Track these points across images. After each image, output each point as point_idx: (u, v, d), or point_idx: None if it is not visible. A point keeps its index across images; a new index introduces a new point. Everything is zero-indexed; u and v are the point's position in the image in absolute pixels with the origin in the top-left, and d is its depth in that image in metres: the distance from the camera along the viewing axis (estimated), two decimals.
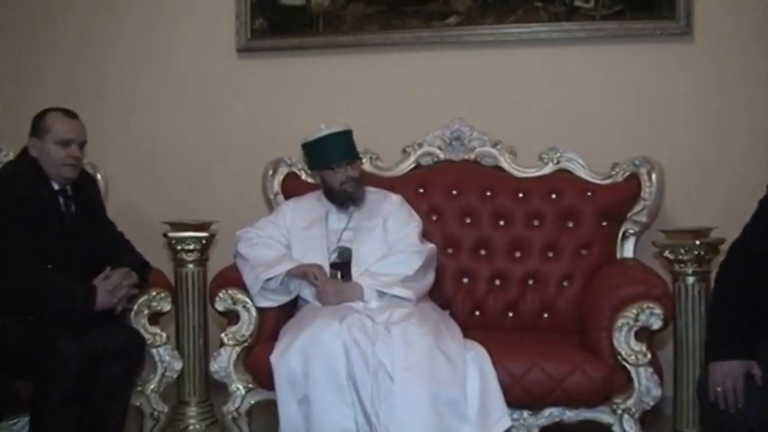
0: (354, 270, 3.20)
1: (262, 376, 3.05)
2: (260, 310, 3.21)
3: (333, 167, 3.31)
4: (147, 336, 3.20)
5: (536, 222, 3.61)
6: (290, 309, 3.26)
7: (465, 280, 3.62)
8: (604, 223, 3.54)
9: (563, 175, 3.65)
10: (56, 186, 3.12)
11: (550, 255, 3.56)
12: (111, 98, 4.45)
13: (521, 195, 3.64)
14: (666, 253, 3.23)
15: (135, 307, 3.21)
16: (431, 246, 3.32)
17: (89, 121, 3.25)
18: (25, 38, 4.55)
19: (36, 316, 2.90)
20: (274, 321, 3.21)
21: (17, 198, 2.98)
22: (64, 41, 4.51)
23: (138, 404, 3.25)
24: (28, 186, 3.03)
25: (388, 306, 3.00)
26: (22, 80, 4.54)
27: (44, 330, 2.83)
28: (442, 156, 3.79)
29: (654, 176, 3.50)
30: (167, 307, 3.31)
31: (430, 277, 3.27)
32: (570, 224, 3.57)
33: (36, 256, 2.97)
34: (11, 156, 3.48)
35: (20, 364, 2.79)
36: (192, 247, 3.65)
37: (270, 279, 3.16)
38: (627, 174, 3.57)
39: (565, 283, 3.50)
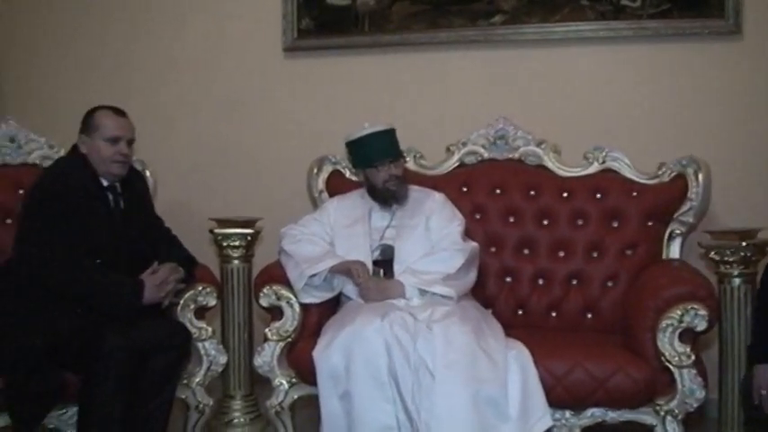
0: (396, 268, 3.22)
1: (304, 371, 3.09)
2: (303, 306, 3.24)
3: (376, 166, 3.33)
4: (193, 330, 3.24)
5: (580, 222, 3.59)
6: (333, 305, 3.30)
7: (508, 279, 3.61)
8: (650, 223, 3.51)
9: (608, 174, 3.62)
10: (105, 183, 3.18)
11: (595, 255, 3.53)
12: (160, 97, 4.52)
13: (565, 195, 3.62)
14: (712, 254, 3.19)
15: (181, 301, 3.25)
16: (473, 244, 3.32)
17: (138, 119, 3.31)
18: (76, 38, 4.65)
19: (85, 310, 2.96)
20: (317, 317, 3.24)
21: (68, 194, 3.03)
22: (114, 41, 4.60)
23: (183, 397, 3.29)
24: (78, 182, 3.09)
25: (429, 304, 3.01)
26: (73, 79, 4.64)
27: (93, 324, 2.88)
28: (485, 155, 3.78)
29: (701, 176, 3.46)
30: (213, 302, 3.35)
31: (472, 276, 3.28)
32: (615, 224, 3.54)
33: (86, 251, 3.02)
34: (62, 152, 3.54)
35: (69, 357, 2.85)
36: (237, 243, 3.69)
37: (314, 275, 3.19)
38: (673, 174, 3.53)
39: (609, 284, 3.48)
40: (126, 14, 4.59)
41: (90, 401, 2.80)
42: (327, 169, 3.85)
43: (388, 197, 3.36)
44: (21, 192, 3.44)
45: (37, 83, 4.70)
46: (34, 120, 3.92)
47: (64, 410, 2.99)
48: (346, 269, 3.19)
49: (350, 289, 3.22)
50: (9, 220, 3.44)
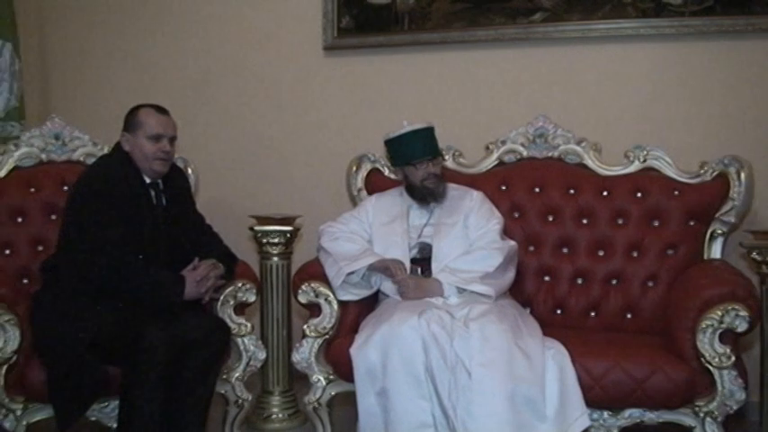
0: (434, 266, 3.22)
1: (342, 368, 3.10)
2: (341, 304, 3.26)
3: (414, 164, 3.34)
4: (232, 325, 3.27)
5: (620, 221, 3.56)
6: (371, 302, 3.31)
7: (546, 278, 3.60)
8: (691, 223, 3.47)
9: (649, 173, 3.59)
10: (147, 180, 3.23)
11: (635, 254, 3.50)
12: (201, 95, 4.57)
13: (605, 193, 3.60)
14: (754, 254, 3.15)
15: (221, 297, 3.28)
16: (512, 243, 3.32)
17: (180, 117, 3.35)
18: (120, 38, 4.72)
19: (127, 304, 3.01)
20: (355, 315, 3.26)
21: (111, 191, 3.09)
22: (157, 41, 4.66)
23: (223, 392, 3.32)
24: (121, 179, 3.14)
25: (467, 302, 3.02)
26: (117, 77, 4.70)
27: (135, 318, 2.93)
28: (525, 153, 3.77)
29: (743, 176, 3.41)
30: (252, 298, 3.37)
31: (510, 275, 3.27)
32: (656, 223, 3.51)
33: (128, 247, 3.07)
34: (105, 150, 3.59)
35: (110, 350, 2.90)
36: (276, 240, 3.72)
37: (352, 273, 3.21)
38: (715, 173, 3.49)
39: (649, 284, 3.45)
40: (169, 14, 4.65)
41: (131, 395, 2.84)
42: (366, 167, 3.86)
43: (426, 195, 3.36)
44: (65, 188, 3.50)
45: (81, 81, 4.78)
46: (79, 118, 3.98)
47: (105, 403, 3.04)
48: (384, 267, 3.20)
49: (388, 287, 3.23)
50: (54, 216, 3.50)
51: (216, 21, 4.56)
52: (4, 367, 2.88)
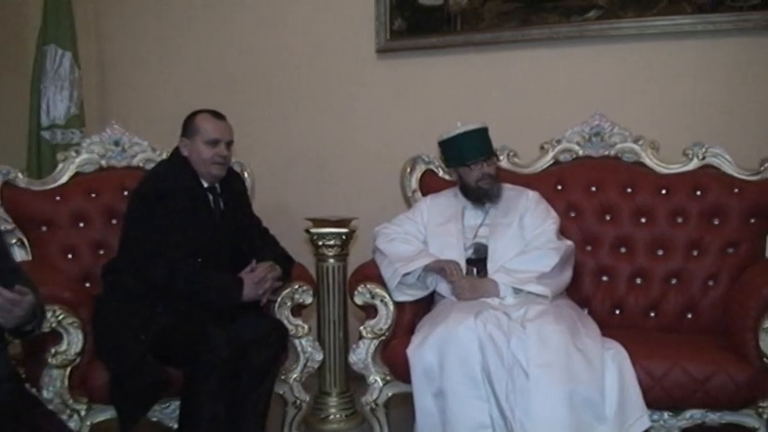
0: (490, 266, 3.21)
1: (399, 369, 3.11)
2: (397, 305, 3.26)
3: (469, 164, 3.33)
4: (290, 327, 3.31)
5: (679, 220, 3.51)
6: (427, 303, 3.31)
7: (604, 278, 3.56)
8: (752, 221, 3.40)
9: (708, 170, 3.53)
10: (205, 184, 3.28)
11: (695, 253, 3.45)
12: (257, 100, 4.62)
13: (663, 192, 3.55)
14: None
15: (279, 299, 3.32)
16: (568, 243, 3.29)
17: (236, 122, 3.39)
18: (177, 45, 4.81)
19: (187, 306, 3.05)
20: (411, 316, 3.26)
21: (170, 195, 3.14)
22: (212, 47, 4.73)
23: (281, 392, 3.35)
24: (180, 184, 3.20)
25: (523, 303, 3.00)
26: (174, 84, 4.79)
27: (194, 320, 2.98)
28: (581, 152, 3.74)
29: None
30: (309, 300, 3.41)
31: (567, 275, 3.25)
32: (716, 221, 3.45)
33: (187, 250, 3.12)
34: (164, 155, 3.64)
35: (171, 352, 2.95)
36: (332, 242, 3.75)
37: (407, 274, 3.21)
38: None
39: (710, 283, 3.39)
40: (222, 20, 4.72)
41: (193, 396, 2.87)
42: (420, 168, 3.85)
43: (481, 195, 3.35)
44: (125, 193, 3.55)
45: (138, 88, 4.88)
46: (136, 124, 4.05)
47: (167, 404, 3.08)
48: (440, 268, 3.20)
49: (443, 287, 3.23)
50: (114, 221, 3.55)
51: (269, 25, 4.62)
52: (68, 369, 2.93)
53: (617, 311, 3.50)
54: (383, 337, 3.26)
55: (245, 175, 3.81)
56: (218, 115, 3.32)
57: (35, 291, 2.36)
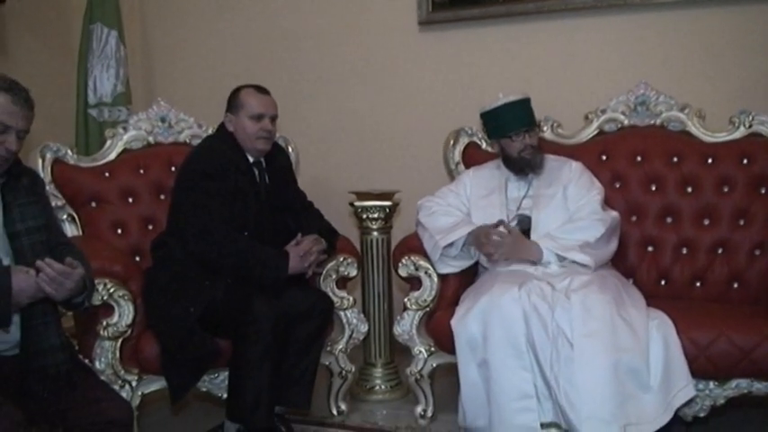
0: (534, 237, 3.19)
1: (443, 340, 3.13)
2: (441, 276, 3.28)
3: (511, 136, 3.32)
4: (335, 299, 3.36)
5: (726, 189, 3.47)
6: (471, 275, 3.33)
7: (650, 248, 3.54)
8: None
9: (755, 139, 3.48)
10: (251, 159, 3.31)
11: (741, 222, 3.41)
12: (299, 74, 4.65)
13: (709, 161, 3.51)
14: None
15: (324, 271, 3.36)
16: (614, 213, 3.27)
17: (280, 97, 3.42)
18: (219, 22, 4.84)
19: (234, 279, 3.10)
20: (455, 287, 3.28)
21: (217, 170, 3.18)
22: (254, 22, 4.75)
23: (327, 363, 3.41)
24: (226, 159, 3.23)
25: (567, 273, 2.99)
26: (216, 60, 4.83)
27: (241, 293, 3.02)
28: (625, 122, 3.71)
29: None
30: (354, 272, 3.45)
31: (612, 245, 3.23)
32: (762, 190, 3.41)
33: (234, 224, 3.17)
34: (210, 131, 3.69)
35: (220, 323, 3.00)
36: (376, 215, 3.77)
37: (449, 246, 3.22)
38: None
39: (756, 252, 3.35)
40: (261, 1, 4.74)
41: (240, 366, 2.94)
42: (463, 141, 3.85)
43: (523, 167, 3.34)
44: (172, 169, 3.61)
45: (182, 65, 4.93)
46: (181, 100, 4.09)
47: (216, 375, 3.15)
48: (477, 241, 3.19)
49: (484, 258, 3.24)
50: (162, 196, 3.62)
51: (312, 0, 4.61)
52: (120, 341, 3.00)
53: (662, 282, 3.48)
54: (427, 309, 3.29)
55: (290, 149, 3.84)
56: (262, 90, 3.34)
57: (86, 264, 2.43)
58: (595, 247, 3.11)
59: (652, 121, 3.67)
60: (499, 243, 3.11)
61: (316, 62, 4.62)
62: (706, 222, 3.48)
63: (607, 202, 3.36)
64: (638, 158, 3.62)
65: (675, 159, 3.56)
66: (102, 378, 2.84)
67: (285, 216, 3.38)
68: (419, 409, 3.37)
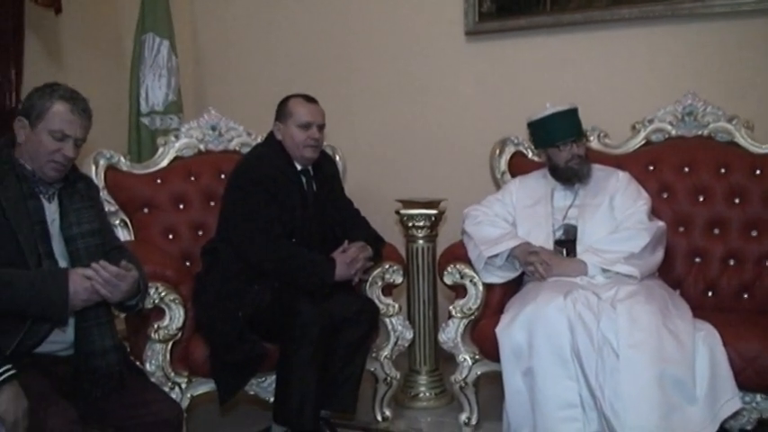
0: (579, 248, 3.21)
1: (488, 348, 3.14)
2: (486, 285, 3.30)
3: (558, 145, 3.33)
4: (380, 306, 3.39)
5: None
6: (517, 283, 3.33)
7: (697, 259, 3.51)
8: None
9: None
10: (299, 167, 3.37)
11: None
12: (347, 84, 4.69)
13: (758, 172, 3.48)
14: None
15: (370, 278, 3.40)
16: (660, 224, 3.26)
17: (327, 106, 3.47)
18: (268, 32, 4.90)
19: (282, 285, 3.15)
20: (500, 296, 3.29)
21: (266, 178, 3.24)
22: (302, 33, 4.80)
23: (372, 369, 3.44)
24: (275, 167, 3.30)
25: (613, 283, 2.99)
26: (265, 69, 4.89)
27: (289, 298, 3.07)
28: (673, 132, 3.69)
29: None
30: (399, 279, 3.48)
31: (658, 255, 3.22)
32: None
33: (282, 230, 3.22)
34: (259, 139, 3.74)
35: (267, 328, 3.05)
36: (422, 223, 3.80)
37: (494, 256, 3.24)
38: None
39: None
40: (312, 5, 4.78)
41: (287, 369, 2.99)
42: (510, 150, 3.86)
43: (570, 176, 3.35)
44: (222, 176, 3.66)
45: (232, 74, 5.00)
46: (231, 109, 4.13)
47: (263, 378, 3.20)
48: (525, 262, 3.19)
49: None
50: (212, 203, 3.68)
51: (360, 10, 4.67)
52: (170, 343, 3.07)
53: (709, 293, 3.45)
54: (472, 317, 3.30)
55: (337, 158, 3.89)
56: (310, 99, 3.40)
57: (139, 267, 2.50)
58: (641, 258, 3.10)
59: (699, 132, 3.65)
60: (542, 263, 3.13)
61: (364, 72, 4.67)
62: (754, 234, 3.45)
63: (654, 213, 3.35)
64: (686, 169, 3.60)
65: (723, 170, 3.54)
66: (153, 380, 2.91)
67: (332, 223, 3.43)
68: (463, 417, 3.38)
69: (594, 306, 2.83)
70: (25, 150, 2.44)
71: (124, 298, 2.41)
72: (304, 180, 3.39)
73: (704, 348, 2.76)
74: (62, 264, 2.44)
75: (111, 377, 2.44)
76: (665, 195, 3.60)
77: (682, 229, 3.56)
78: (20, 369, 2.17)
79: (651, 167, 3.65)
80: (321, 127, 3.39)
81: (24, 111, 2.45)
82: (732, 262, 3.46)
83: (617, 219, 3.25)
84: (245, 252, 3.17)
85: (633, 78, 4.08)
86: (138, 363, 2.92)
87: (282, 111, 3.39)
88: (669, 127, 3.70)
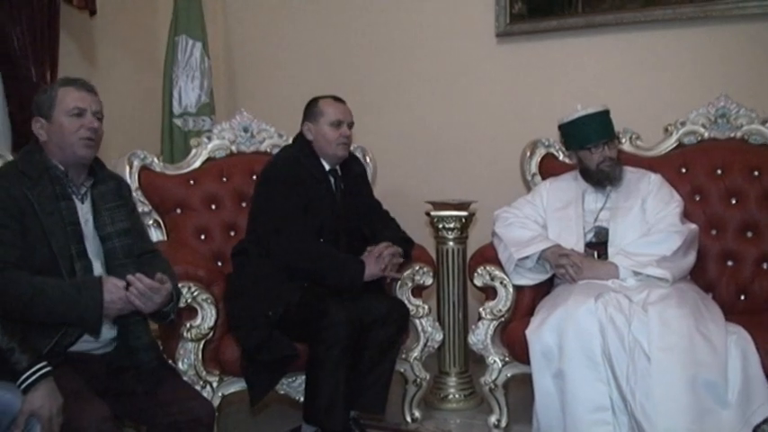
0: (611, 250, 3.19)
1: (518, 350, 3.13)
2: (517, 287, 3.29)
3: (590, 148, 3.32)
4: (410, 307, 3.40)
5: None
6: (547, 286, 3.32)
7: (729, 263, 3.48)
8: None
9: None
10: (327, 167, 3.39)
11: None
12: (376, 85, 4.71)
13: None
14: None
15: (400, 280, 3.40)
16: (692, 226, 3.24)
17: (356, 108, 3.50)
18: (295, 36, 4.94)
19: (312, 285, 3.17)
20: (531, 298, 3.29)
21: (295, 178, 3.27)
22: (330, 35, 4.85)
23: (402, 370, 3.45)
24: (304, 168, 3.33)
25: (645, 286, 2.97)
26: (295, 72, 4.93)
27: (318, 298, 3.09)
28: (705, 134, 3.66)
29: None
30: (429, 281, 3.49)
31: (690, 258, 3.19)
32: None
33: (311, 230, 3.24)
34: (290, 140, 3.76)
35: (297, 328, 3.07)
36: (452, 225, 3.80)
37: (525, 258, 3.23)
38: None
39: None
40: (344, 7, 4.82)
41: (316, 369, 3.00)
42: (540, 152, 3.85)
43: (602, 179, 3.33)
44: (254, 177, 3.69)
45: (263, 76, 5.04)
46: (261, 111, 4.16)
47: (294, 378, 3.22)
48: (555, 262, 3.18)
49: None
50: (244, 204, 3.71)
51: (390, 12, 4.69)
52: (202, 342, 3.10)
53: (742, 297, 3.42)
54: (502, 319, 3.30)
55: (367, 159, 3.91)
56: (338, 99, 3.45)
57: (173, 276, 2.53)
58: (673, 260, 3.08)
59: (732, 134, 3.62)
60: (573, 265, 3.12)
61: (394, 73, 4.68)
62: None
63: (686, 216, 3.33)
64: (719, 171, 3.58)
65: (756, 173, 3.51)
66: (185, 379, 2.94)
67: (360, 224, 3.44)
68: (493, 419, 3.37)
69: (626, 309, 2.82)
70: (52, 145, 2.48)
71: (157, 309, 2.45)
72: (332, 180, 3.41)
73: (737, 352, 2.73)
74: (96, 264, 2.48)
75: (153, 372, 2.48)
76: (697, 198, 3.57)
77: (714, 232, 3.53)
78: (54, 367, 2.20)
79: (683, 170, 3.62)
80: (351, 125, 3.43)
81: (36, 111, 2.50)
82: (765, 265, 3.43)
83: (649, 221, 3.23)
84: (274, 252, 3.19)
85: (665, 80, 4.06)
86: (170, 361, 2.96)
87: (312, 111, 3.42)
88: (702, 129, 3.67)
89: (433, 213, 3.85)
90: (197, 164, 3.79)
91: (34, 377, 2.13)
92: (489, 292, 3.35)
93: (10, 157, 3.01)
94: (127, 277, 2.36)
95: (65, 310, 2.28)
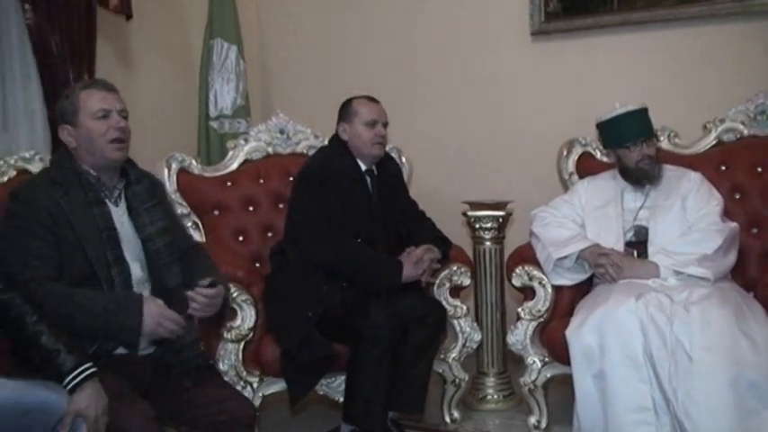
0: (651, 249, 3.16)
1: (557, 350, 3.12)
2: (556, 287, 3.28)
3: (628, 146, 3.29)
4: (448, 307, 3.40)
5: None
6: (586, 285, 3.30)
7: None
8: None
9: None
10: (363, 167, 3.40)
11: None
12: (411, 86, 4.70)
13: None
14: None
15: (437, 280, 3.40)
16: (733, 225, 3.20)
17: (391, 109, 3.50)
18: (331, 36, 4.96)
19: (350, 286, 3.18)
20: (570, 298, 3.27)
21: (331, 178, 3.28)
22: (365, 35, 4.86)
23: (440, 371, 3.45)
24: (340, 168, 3.34)
25: (686, 285, 2.94)
26: (330, 73, 4.94)
27: (358, 299, 3.10)
28: (745, 131, 3.63)
29: None
30: (467, 281, 3.48)
31: (731, 257, 3.15)
32: None
33: (348, 230, 3.25)
34: (325, 142, 3.77)
35: (337, 328, 3.08)
36: (489, 225, 3.79)
37: (564, 258, 3.21)
38: None
39: None
40: (376, 9, 4.83)
41: (356, 369, 3.01)
42: (577, 151, 3.83)
43: (641, 177, 3.31)
44: (290, 179, 3.70)
45: (300, 78, 5.06)
46: (296, 112, 4.17)
47: (333, 379, 3.23)
48: (594, 261, 3.16)
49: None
50: (281, 205, 3.73)
51: (425, 12, 4.69)
52: (242, 343, 3.13)
53: None
54: (541, 319, 3.29)
55: (403, 160, 3.92)
56: (372, 99, 3.46)
57: (218, 272, 2.57)
58: (713, 260, 3.04)
59: None
60: (613, 265, 3.09)
61: (428, 73, 4.68)
62: None
63: (726, 214, 3.29)
64: (759, 169, 3.54)
65: None
66: (226, 379, 2.95)
67: (396, 224, 3.45)
68: (533, 420, 3.36)
69: (667, 308, 2.79)
70: (82, 151, 2.48)
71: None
72: (369, 180, 3.42)
73: None
74: (134, 266, 2.49)
75: (199, 368, 2.50)
76: (737, 196, 3.54)
77: (755, 230, 3.49)
78: (99, 368, 2.22)
79: (723, 168, 3.59)
80: (385, 124, 3.44)
81: (61, 119, 2.51)
82: None
83: (689, 220, 3.20)
84: (311, 253, 3.20)
85: (703, 77, 4.03)
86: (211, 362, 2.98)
87: (347, 111, 3.43)
88: (741, 126, 3.63)
89: (469, 213, 3.84)
90: (234, 166, 3.81)
91: (80, 377, 2.14)
92: (528, 293, 3.34)
93: (48, 158, 3.02)
94: (188, 294, 2.42)
95: (103, 327, 2.31)
